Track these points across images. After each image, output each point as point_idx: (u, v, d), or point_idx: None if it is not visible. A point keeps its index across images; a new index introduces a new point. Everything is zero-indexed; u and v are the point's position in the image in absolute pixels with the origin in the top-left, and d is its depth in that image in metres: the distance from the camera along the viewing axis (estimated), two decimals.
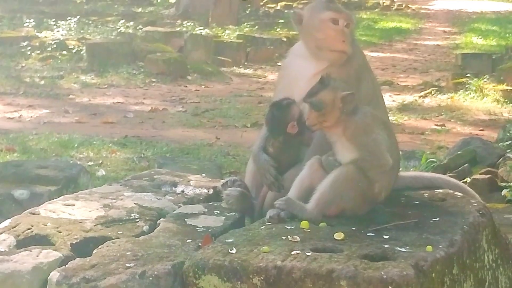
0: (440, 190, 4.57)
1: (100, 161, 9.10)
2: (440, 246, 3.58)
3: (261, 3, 28.11)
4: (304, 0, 26.99)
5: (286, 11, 26.18)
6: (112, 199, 4.70)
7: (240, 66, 18.69)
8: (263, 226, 3.96)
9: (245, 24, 22.41)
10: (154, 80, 16.17)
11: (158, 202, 4.70)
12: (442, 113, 13.30)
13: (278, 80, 4.75)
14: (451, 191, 4.55)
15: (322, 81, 4.09)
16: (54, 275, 3.66)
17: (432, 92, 14.98)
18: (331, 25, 4.40)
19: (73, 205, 4.57)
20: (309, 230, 3.85)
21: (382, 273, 3.28)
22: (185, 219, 4.37)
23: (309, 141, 4.40)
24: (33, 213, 4.44)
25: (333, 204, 4.02)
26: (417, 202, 4.35)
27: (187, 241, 4.00)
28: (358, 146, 4.04)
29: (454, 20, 30.34)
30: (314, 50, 4.45)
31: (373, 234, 3.78)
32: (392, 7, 32.73)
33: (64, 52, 17.66)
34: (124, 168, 8.81)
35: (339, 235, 3.72)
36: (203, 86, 16.02)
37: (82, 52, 17.51)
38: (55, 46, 17.92)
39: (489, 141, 8.92)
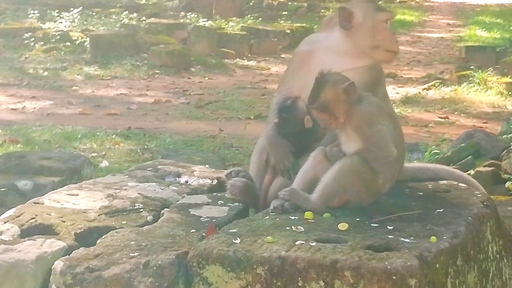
0: (444, 182, 4.57)
1: (104, 153, 9.11)
2: (444, 237, 3.58)
3: None
4: None
5: (289, 3, 26.17)
6: (116, 189, 4.70)
7: (244, 58, 18.67)
8: (267, 217, 3.96)
9: (249, 16, 22.39)
10: (157, 72, 16.17)
11: (162, 192, 4.70)
12: (446, 106, 13.29)
13: (292, 68, 4.64)
14: (455, 183, 4.55)
15: (319, 80, 4.07)
16: (58, 265, 3.66)
17: (436, 85, 14.97)
18: (386, 26, 4.47)
19: (77, 195, 4.57)
20: (313, 221, 3.85)
21: (386, 263, 3.28)
22: (189, 209, 4.37)
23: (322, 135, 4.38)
24: (37, 203, 4.44)
25: (337, 195, 4.02)
26: (421, 193, 4.35)
27: (191, 231, 4.00)
28: (363, 137, 4.03)
29: (458, 13, 30.29)
30: (365, 48, 4.44)
31: (377, 225, 3.78)
32: (396, 0, 32.66)
33: (68, 44, 17.66)
34: (127, 159, 8.82)
35: (343, 226, 3.72)
36: (206, 78, 16.01)
37: (85, 44, 17.51)
38: (58, 37, 17.92)
39: (493, 134, 8.91)
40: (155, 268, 3.55)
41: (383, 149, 4.03)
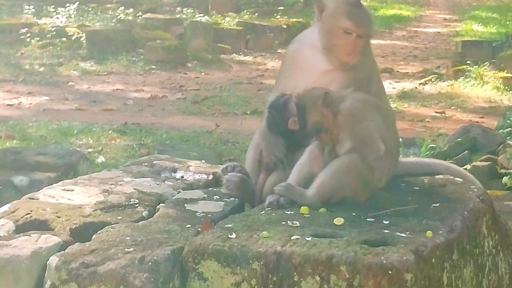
0: (440, 176, 4.56)
1: (100, 148, 9.10)
2: (440, 232, 3.58)
3: None
4: None
5: None
6: (111, 184, 4.69)
7: (240, 53, 18.66)
8: (263, 212, 3.96)
9: (245, 11, 22.35)
10: (153, 67, 16.16)
11: (158, 187, 4.69)
12: (442, 101, 13.29)
13: (283, 67, 4.62)
14: (451, 177, 4.54)
15: (298, 106, 4.05)
16: (53, 260, 3.65)
17: (432, 80, 14.97)
18: (343, 34, 4.29)
19: (72, 190, 4.56)
20: (308, 216, 3.85)
21: (382, 258, 3.28)
22: (185, 205, 4.36)
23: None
24: (32, 198, 4.42)
25: (334, 192, 4.00)
26: (417, 188, 4.34)
27: (187, 226, 3.99)
28: (350, 135, 4.01)
29: (455, 8, 30.30)
30: (323, 48, 4.38)
31: (373, 219, 3.77)
32: None
33: (64, 39, 17.62)
34: (123, 155, 8.81)
35: (338, 221, 3.72)
36: (203, 74, 16.00)
37: (81, 39, 17.47)
38: (54, 33, 17.87)
39: (489, 129, 8.92)
40: (150, 263, 3.55)
41: (371, 146, 4.01)
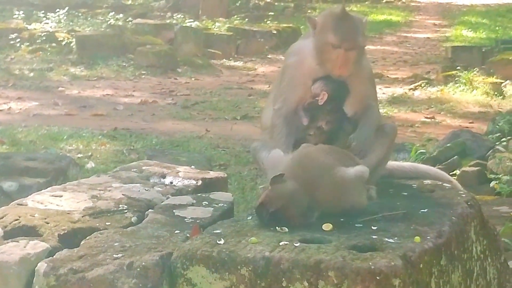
0: (429, 182, 4.57)
1: (90, 154, 9.09)
2: (428, 237, 3.58)
3: None
4: None
5: (276, 3, 26.19)
6: (100, 190, 4.69)
7: (230, 58, 18.67)
8: (251, 217, 3.95)
9: (235, 16, 22.39)
10: (144, 72, 16.15)
11: (147, 193, 4.68)
12: (432, 106, 13.32)
13: (286, 79, 4.53)
14: (440, 183, 4.55)
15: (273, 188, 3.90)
16: (42, 266, 3.64)
17: (422, 85, 15.00)
18: (332, 49, 4.29)
19: (61, 196, 4.55)
20: None
21: (370, 263, 3.27)
22: (174, 210, 4.36)
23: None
24: (21, 204, 4.41)
25: None
26: (406, 193, 4.35)
27: (175, 232, 3.99)
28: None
29: (444, 13, 30.38)
30: (317, 64, 4.39)
31: (361, 225, 3.77)
32: (383, 0, 32.74)
33: (54, 45, 17.61)
34: (113, 160, 8.80)
35: (327, 226, 3.71)
36: (193, 79, 16.00)
37: (71, 45, 17.46)
38: (44, 38, 17.86)
39: (479, 134, 8.96)
40: (139, 269, 3.54)
41: None
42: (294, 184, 3.77)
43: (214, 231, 3.74)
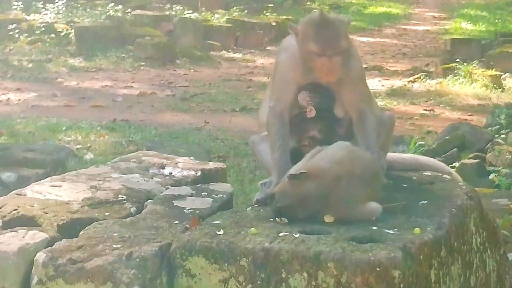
0: (429, 173, 4.56)
1: (88, 145, 9.08)
2: (428, 229, 3.57)
3: None
4: None
5: None
6: (99, 180, 4.68)
7: (229, 50, 18.65)
8: (250, 208, 3.95)
9: (234, 8, 22.34)
10: (142, 64, 16.14)
11: (146, 184, 4.67)
12: (431, 98, 13.32)
13: (278, 76, 4.46)
14: (440, 174, 4.54)
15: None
16: (40, 256, 3.63)
17: (421, 77, 15.00)
18: (316, 57, 4.18)
19: (60, 186, 4.54)
20: None
21: (370, 255, 3.27)
22: (173, 201, 4.35)
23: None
24: (20, 194, 4.40)
25: None
26: (406, 185, 4.34)
27: (175, 223, 3.98)
28: None
29: (444, 6, 30.35)
30: (304, 70, 4.33)
31: None
32: None
33: (53, 36, 17.59)
34: (112, 151, 8.80)
35: (329, 218, 3.70)
36: (192, 70, 15.99)
37: (70, 36, 17.44)
38: (43, 29, 17.84)
39: (478, 126, 8.96)
40: (138, 259, 3.53)
41: None
42: (311, 187, 3.71)
43: (214, 222, 3.74)
